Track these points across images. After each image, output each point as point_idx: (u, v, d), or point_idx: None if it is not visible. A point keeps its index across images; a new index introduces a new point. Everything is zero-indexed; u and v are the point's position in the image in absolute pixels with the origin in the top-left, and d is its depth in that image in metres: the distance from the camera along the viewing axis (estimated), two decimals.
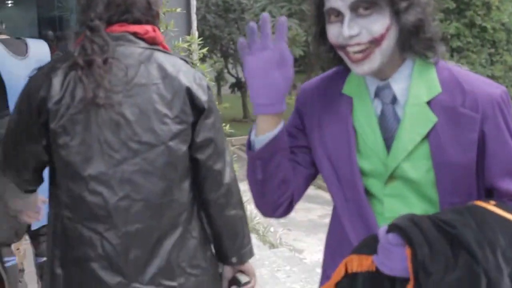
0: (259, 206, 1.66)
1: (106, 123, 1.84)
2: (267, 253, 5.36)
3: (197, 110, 1.93)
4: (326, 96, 1.64)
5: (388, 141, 1.53)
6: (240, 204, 2.09)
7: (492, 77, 11.74)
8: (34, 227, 3.38)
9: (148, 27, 1.96)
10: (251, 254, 2.14)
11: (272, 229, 6.31)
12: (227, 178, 2.02)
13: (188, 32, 5.57)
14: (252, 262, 2.16)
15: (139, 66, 1.89)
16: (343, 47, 1.48)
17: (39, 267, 3.52)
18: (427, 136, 1.49)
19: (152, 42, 1.97)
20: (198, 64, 4.79)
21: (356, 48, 1.46)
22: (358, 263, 1.48)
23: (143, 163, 1.87)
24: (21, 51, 3.48)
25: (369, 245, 1.46)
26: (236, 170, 4.93)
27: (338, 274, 1.52)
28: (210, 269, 2.05)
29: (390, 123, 1.54)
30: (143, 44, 1.94)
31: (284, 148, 1.56)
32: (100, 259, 1.87)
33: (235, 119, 15.30)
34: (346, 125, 1.57)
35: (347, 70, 1.61)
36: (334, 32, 1.49)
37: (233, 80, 16.14)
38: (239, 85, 15.83)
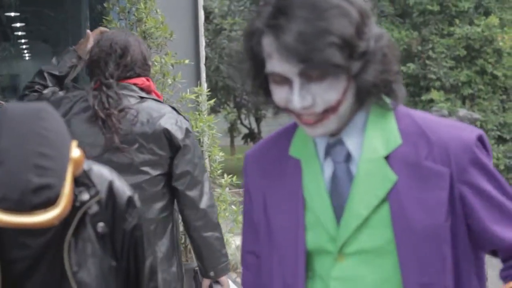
0: None
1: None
2: None
3: (174, 146, 2.48)
4: (271, 160, 1.41)
5: (340, 209, 1.28)
6: (217, 227, 2.57)
7: (505, 124, 11.73)
8: None
9: (143, 79, 2.58)
10: (226, 270, 2.60)
11: None
12: (203, 204, 2.49)
13: (197, 84, 5.59)
14: None
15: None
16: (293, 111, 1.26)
17: None
18: (387, 199, 1.25)
19: (148, 91, 2.60)
20: (205, 115, 4.78)
21: (310, 117, 1.24)
22: None
23: None
24: None
25: None
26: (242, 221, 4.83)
27: None
28: (173, 282, 2.52)
29: (342, 185, 1.30)
30: (140, 92, 2.55)
31: None
32: None
33: None
34: (294, 195, 1.33)
35: (294, 127, 1.40)
36: (281, 97, 1.24)
37: (246, 131, 16.17)
38: (252, 136, 15.85)
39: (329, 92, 1.20)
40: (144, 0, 4.42)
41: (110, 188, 1.63)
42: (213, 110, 9.86)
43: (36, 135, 1.36)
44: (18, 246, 1.50)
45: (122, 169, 2.33)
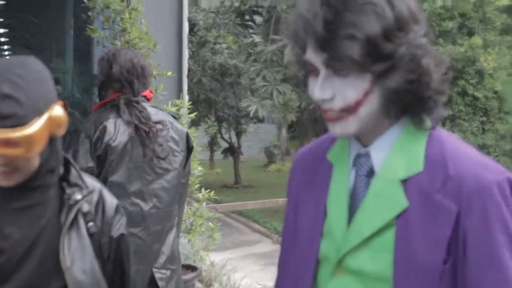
0: None
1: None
2: None
3: (189, 147, 3.02)
4: (311, 161, 1.40)
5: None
6: None
7: (483, 146, 11.81)
8: None
9: (148, 91, 2.97)
10: None
11: None
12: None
13: (179, 96, 5.56)
14: None
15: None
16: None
17: None
18: (394, 224, 1.19)
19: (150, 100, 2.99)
20: (187, 128, 4.75)
21: (331, 113, 1.21)
22: None
23: (164, 182, 2.90)
24: None
25: None
26: (218, 238, 4.84)
27: None
28: (178, 247, 3.07)
29: (359, 199, 1.26)
30: (148, 103, 2.95)
31: None
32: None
33: (226, 185, 15.20)
34: (319, 201, 1.31)
35: None
36: (311, 88, 1.23)
37: (226, 145, 16.11)
38: (231, 150, 15.79)
39: (349, 90, 1.17)
40: (129, 10, 4.40)
41: (100, 194, 1.70)
42: (194, 123, 9.78)
43: (18, 64, 1.47)
44: (3, 236, 1.52)
45: (164, 172, 2.89)
